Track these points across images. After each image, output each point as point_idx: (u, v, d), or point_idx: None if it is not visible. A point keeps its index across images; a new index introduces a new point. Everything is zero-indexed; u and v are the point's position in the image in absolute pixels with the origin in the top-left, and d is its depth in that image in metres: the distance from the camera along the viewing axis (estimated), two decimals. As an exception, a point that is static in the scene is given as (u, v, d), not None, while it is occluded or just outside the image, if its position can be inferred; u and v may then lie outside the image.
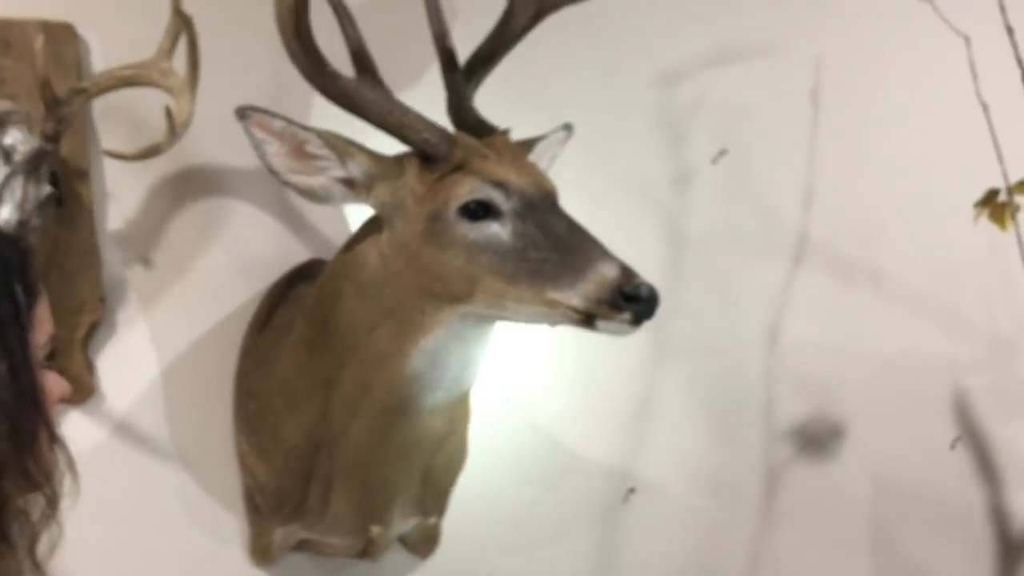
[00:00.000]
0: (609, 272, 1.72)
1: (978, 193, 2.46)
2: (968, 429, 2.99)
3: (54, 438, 1.22)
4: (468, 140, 1.86)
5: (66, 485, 1.27)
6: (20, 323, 1.19)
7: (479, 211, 1.79)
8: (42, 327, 1.25)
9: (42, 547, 1.28)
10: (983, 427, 3.00)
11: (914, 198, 2.82)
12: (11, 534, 1.19)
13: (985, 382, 2.98)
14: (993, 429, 2.99)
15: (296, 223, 2.36)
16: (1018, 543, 2.96)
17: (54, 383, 1.29)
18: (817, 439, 2.87)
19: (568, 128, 2.15)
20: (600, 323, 1.74)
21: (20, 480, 1.16)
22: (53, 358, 1.34)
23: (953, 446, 2.97)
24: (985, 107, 2.38)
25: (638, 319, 1.73)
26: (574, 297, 1.73)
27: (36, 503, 1.25)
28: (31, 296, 1.22)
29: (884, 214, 2.84)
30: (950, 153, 2.73)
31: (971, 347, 2.96)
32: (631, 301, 1.71)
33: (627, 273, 1.73)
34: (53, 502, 1.25)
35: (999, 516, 3.00)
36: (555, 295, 1.74)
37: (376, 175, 1.87)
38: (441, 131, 1.85)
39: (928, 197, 2.78)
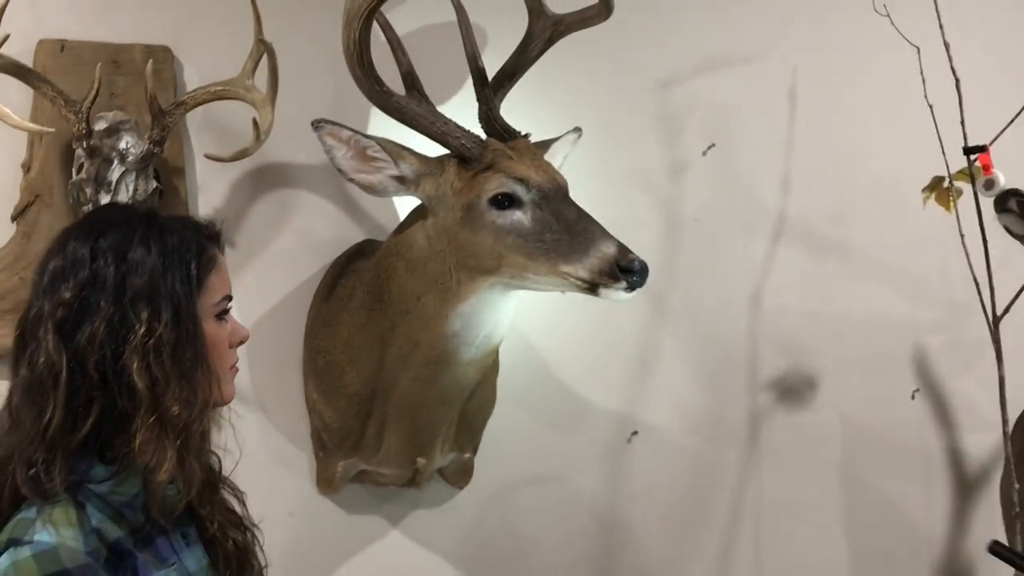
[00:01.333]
0: (609, 250, 1.96)
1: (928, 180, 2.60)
2: (926, 382, 3.11)
3: (213, 374, 1.46)
4: (496, 144, 2.09)
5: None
6: (189, 286, 1.42)
7: (505, 201, 2.03)
8: (216, 290, 1.48)
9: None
10: (939, 380, 3.11)
11: (878, 183, 2.95)
12: (195, 437, 1.44)
13: (941, 341, 3.08)
14: (948, 382, 3.10)
15: (352, 210, 2.57)
16: (970, 479, 3.07)
17: (235, 329, 1.52)
18: (794, 389, 3.00)
19: (578, 131, 2.36)
20: (602, 290, 1.98)
21: (181, 400, 1.40)
22: (228, 312, 1.53)
23: (913, 396, 3.10)
24: (931, 107, 2.51)
25: (632, 287, 1.97)
26: (581, 270, 1.97)
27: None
28: (204, 268, 1.46)
29: (852, 197, 2.98)
30: (907, 144, 2.75)
31: (928, 311, 3.06)
32: (627, 272, 1.95)
33: (623, 250, 1.96)
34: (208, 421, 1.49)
35: (953, 456, 3.12)
36: (566, 268, 1.98)
37: (423, 173, 2.11)
38: (474, 137, 2.09)
39: (890, 182, 2.89)
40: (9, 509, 1.38)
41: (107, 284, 1.39)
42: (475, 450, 2.61)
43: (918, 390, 3.12)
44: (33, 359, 1.38)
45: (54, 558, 1.31)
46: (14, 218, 2.29)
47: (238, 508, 1.64)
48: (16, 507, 1.38)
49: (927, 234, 2.77)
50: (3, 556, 1.32)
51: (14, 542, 1.32)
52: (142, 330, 1.39)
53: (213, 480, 1.58)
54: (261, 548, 1.65)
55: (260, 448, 2.47)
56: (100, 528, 1.37)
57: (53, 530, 1.32)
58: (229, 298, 1.52)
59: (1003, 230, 2.46)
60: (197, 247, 1.46)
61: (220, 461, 1.61)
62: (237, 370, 1.56)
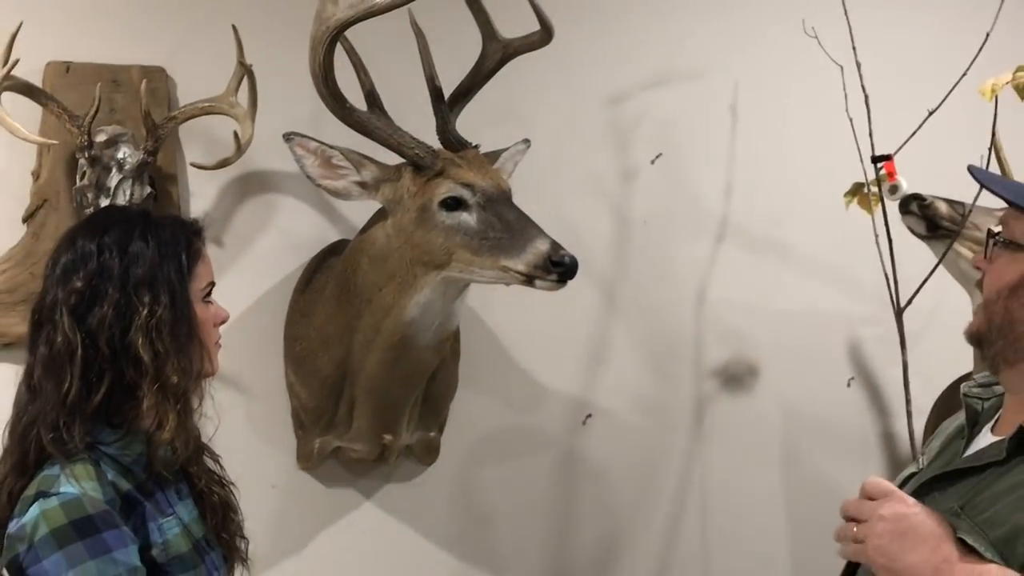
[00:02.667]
0: (543, 246, 2.12)
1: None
2: (861, 370, 3.19)
3: (204, 348, 1.67)
4: (447, 153, 2.26)
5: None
6: (182, 275, 1.62)
7: (453, 204, 2.19)
8: (202, 277, 1.68)
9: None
10: (873, 369, 3.19)
11: (811, 188, 3.02)
12: (191, 402, 1.65)
13: (874, 333, 3.14)
14: (881, 370, 3.17)
15: (328, 212, 2.68)
16: (901, 460, 3.11)
17: (217, 311, 1.72)
18: (736, 377, 3.09)
19: (527, 142, 2.50)
20: (537, 282, 2.14)
21: (179, 370, 1.59)
22: (210, 295, 1.73)
23: (848, 384, 3.18)
24: (851, 120, 2.70)
25: (563, 278, 2.12)
26: (519, 264, 2.13)
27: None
28: (192, 259, 1.66)
29: (789, 201, 3.07)
30: (835, 153, 2.80)
31: (861, 305, 3.12)
32: (558, 266, 2.11)
33: (555, 247, 2.12)
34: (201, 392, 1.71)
35: (886, 439, 3.21)
36: (506, 262, 2.14)
37: (382, 179, 2.28)
38: (428, 147, 2.25)
39: (821, 187, 2.92)
40: (34, 467, 1.57)
41: (113, 273, 1.59)
42: (440, 429, 2.73)
43: (853, 378, 3.20)
44: (51, 339, 1.58)
45: (79, 506, 1.50)
46: (25, 220, 2.42)
47: (216, 468, 1.83)
48: (40, 466, 1.57)
49: (858, 234, 2.84)
50: (33, 506, 1.50)
51: (42, 494, 1.51)
52: (145, 312, 1.58)
53: (200, 444, 1.77)
54: (237, 502, 1.83)
55: (245, 427, 2.57)
56: (115, 481, 1.56)
57: (76, 483, 1.52)
58: (212, 284, 1.71)
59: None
60: (186, 241, 1.66)
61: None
62: (220, 346, 1.75)
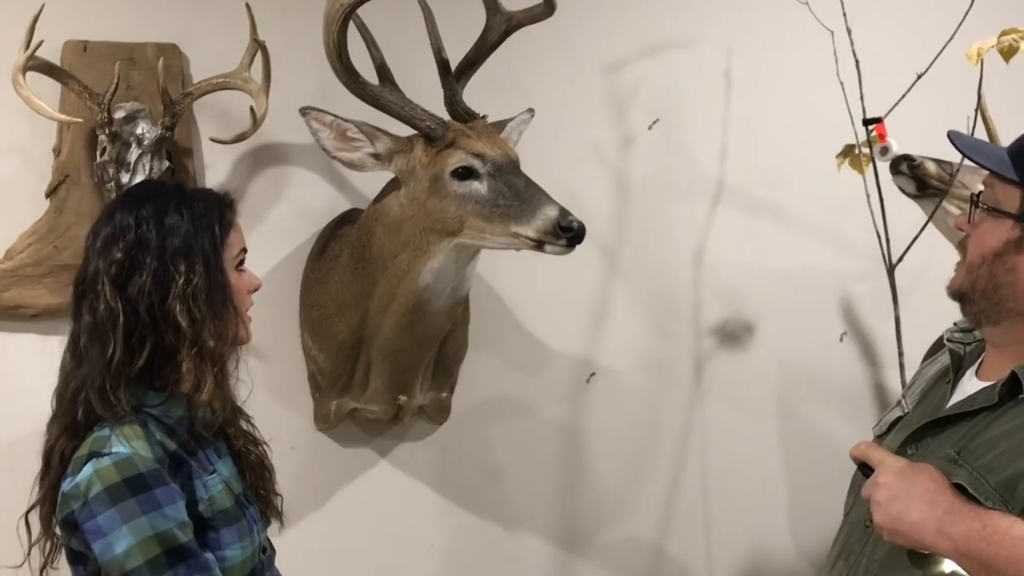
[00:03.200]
0: (552, 212, 2.17)
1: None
2: (852, 325, 3.25)
3: (238, 315, 1.74)
4: (457, 125, 2.30)
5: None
6: (215, 244, 1.69)
7: (465, 173, 2.24)
8: (234, 246, 1.75)
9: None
10: (864, 324, 3.25)
11: (805, 150, 3.03)
12: (227, 366, 1.73)
13: (865, 289, 3.20)
14: (872, 325, 3.24)
15: (339, 183, 2.72)
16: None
17: (250, 279, 1.79)
18: (733, 334, 3.14)
19: (531, 111, 2.54)
20: (547, 247, 2.19)
21: (215, 335, 1.67)
22: (243, 263, 1.80)
23: (841, 339, 3.24)
24: (842, 84, 2.74)
25: (571, 244, 2.17)
26: (529, 230, 2.18)
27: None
28: (225, 229, 1.73)
29: (782, 163, 3.11)
30: (826, 116, 2.82)
31: (853, 262, 3.18)
32: (566, 231, 2.16)
33: (564, 213, 2.17)
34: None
35: (877, 391, 3.28)
36: (516, 229, 2.19)
37: (395, 150, 2.32)
38: (438, 119, 2.30)
39: (813, 149, 2.94)
40: (84, 430, 1.65)
41: (151, 244, 1.66)
42: (451, 390, 2.79)
43: (845, 333, 3.25)
44: (94, 307, 1.66)
45: (131, 464, 1.58)
46: (48, 195, 2.46)
47: (251, 429, 1.92)
48: (90, 428, 1.65)
49: (848, 195, 2.88)
50: (87, 465, 1.58)
51: (95, 454, 1.59)
52: (181, 280, 1.66)
53: (235, 406, 1.85)
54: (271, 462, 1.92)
55: (264, 391, 2.53)
56: (162, 441, 1.64)
57: (127, 443, 1.60)
58: (244, 251, 1.78)
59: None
60: (219, 212, 1.73)
61: None
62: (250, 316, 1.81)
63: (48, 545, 1.72)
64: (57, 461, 1.67)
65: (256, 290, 1.82)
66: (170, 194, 1.74)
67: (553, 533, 3.02)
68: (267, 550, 1.83)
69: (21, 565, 1.75)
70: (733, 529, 3.20)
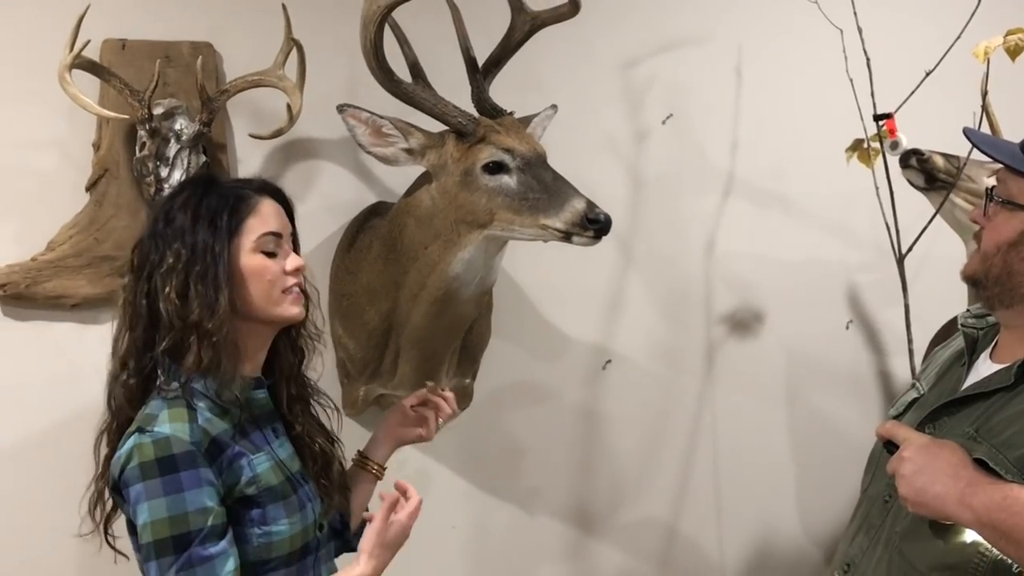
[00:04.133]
0: (579, 205, 2.21)
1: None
2: (858, 314, 3.33)
3: (251, 294, 1.77)
4: (486, 121, 2.35)
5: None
6: (217, 230, 1.74)
7: (495, 168, 2.28)
8: (254, 229, 1.78)
9: None
10: (869, 312, 3.33)
11: (813, 144, 3.13)
12: (218, 340, 1.73)
13: (870, 279, 3.28)
14: (877, 314, 3.32)
15: (366, 177, 2.77)
16: (895, 396, 3.00)
17: (285, 260, 1.82)
18: (743, 322, 3.21)
19: (554, 107, 2.59)
20: (574, 239, 2.23)
21: (203, 308, 1.71)
22: (274, 247, 1.82)
23: (847, 327, 3.32)
24: (851, 81, 2.81)
25: (598, 235, 2.22)
26: (558, 222, 2.22)
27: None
28: (239, 214, 1.77)
29: (791, 157, 3.18)
30: (834, 111, 2.91)
31: (859, 253, 3.26)
32: (594, 223, 2.20)
33: (591, 205, 2.21)
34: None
35: (882, 377, 3.36)
36: (545, 221, 2.23)
37: (427, 146, 2.37)
38: (469, 115, 2.34)
39: (822, 143, 3.05)
40: (140, 401, 1.74)
41: (157, 232, 1.77)
42: (474, 376, 2.83)
43: (851, 321, 3.32)
44: (124, 293, 1.79)
45: (166, 445, 1.66)
46: (88, 188, 2.51)
47: (325, 423, 1.98)
48: (145, 400, 1.74)
49: (856, 187, 2.95)
50: (130, 439, 1.68)
51: (140, 429, 1.68)
52: (171, 260, 1.73)
53: (303, 395, 1.92)
54: (343, 458, 1.97)
55: None
56: (205, 426, 1.70)
57: (168, 425, 1.67)
58: (273, 234, 1.81)
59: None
60: (234, 200, 1.78)
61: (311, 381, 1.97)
62: (296, 295, 1.84)
63: (100, 512, 1.80)
64: (116, 432, 1.78)
65: (296, 270, 1.84)
66: (188, 186, 1.83)
67: (570, 514, 3.08)
68: (323, 527, 1.87)
69: (91, 533, 1.82)
70: (743, 510, 3.26)
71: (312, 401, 1.96)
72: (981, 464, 1.54)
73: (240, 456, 1.74)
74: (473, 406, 2.89)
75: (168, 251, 1.74)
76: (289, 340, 1.91)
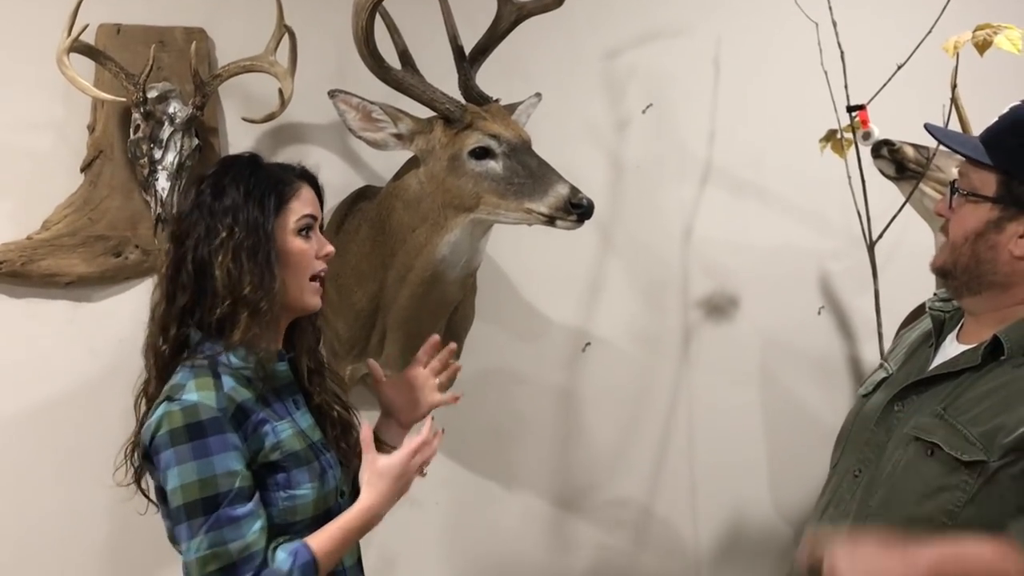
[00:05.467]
0: (563, 190, 2.28)
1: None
2: (830, 300, 3.37)
3: (293, 277, 1.83)
4: (474, 108, 2.40)
5: None
6: (264, 209, 1.80)
7: (482, 153, 2.34)
8: (295, 211, 1.83)
9: None
10: (841, 299, 3.38)
11: (788, 134, 3.17)
12: (263, 315, 1.80)
13: (842, 266, 3.33)
14: (848, 300, 3.37)
15: (354, 161, 2.80)
16: (864, 379, 3.27)
17: (321, 245, 1.88)
18: (719, 307, 3.25)
19: (538, 95, 2.64)
20: (558, 223, 2.29)
21: (253, 285, 1.77)
22: (310, 229, 1.87)
23: (819, 312, 3.37)
24: (826, 73, 2.87)
25: (581, 219, 2.28)
26: (542, 206, 2.29)
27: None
28: (284, 196, 1.83)
29: (767, 146, 3.22)
30: (809, 102, 2.97)
31: (831, 240, 3.30)
32: (577, 208, 2.27)
33: (574, 190, 2.28)
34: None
35: (852, 362, 3.41)
36: (530, 205, 2.30)
37: (416, 131, 2.41)
38: (457, 102, 2.39)
39: (797, 134, 3.09)
40: (171, 366, 1.80)
41: (205, 206, 1.81)
42: (457, 357, 2.72)
43: (823, 307, 3.37)
44: (163, 262, 1.84)
45: (194, 412, 1.72)
46: (83, 169, 2.55)
47: (340, 392, 2.05)
48: (175, 364, 1.80)
49: (829, 176, 3.02)
50: (159, 408, 1.74)
51: (169, 398, 1.74)
52: (224, 234, 1.78)
53: (319, 369, 1.98)
54: (358, 426, 2.00)
55: None
56: (230, 393, 1.76)
57: (196, 392, 1.73)
58: (311, 216, 1.86)
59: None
60: (279, 180, 1.84)
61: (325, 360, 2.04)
62: (318, 286, 1.90)
63: (130, 473, 1.86)
64: (146, 403, 1.84)
65: (327, 256, 1.90)
66: (235, 164, 1.88)
67: (550, 491, 3.13)
68: (345, 494, 1.92)
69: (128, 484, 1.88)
70: (717, 488, 3.31)
71: (325, 373, 2.02)
72: (935, 449, 1.61)
73: (264, 423, 1.80)
74: (456, 386, 2.76)
75: (220, 225, 1.79)
76: (310, 318, 1.96)
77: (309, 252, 1.86)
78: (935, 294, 1.96)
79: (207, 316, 1.80)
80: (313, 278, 1.89)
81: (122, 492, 1.89)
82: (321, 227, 1.97)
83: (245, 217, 1.79)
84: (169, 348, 1.82)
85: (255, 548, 1.71)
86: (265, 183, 1.83)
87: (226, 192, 1.81)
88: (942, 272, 1.80)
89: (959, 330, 1.84)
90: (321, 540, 1.77)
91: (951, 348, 1.81)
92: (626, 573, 3.23)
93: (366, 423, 1.93)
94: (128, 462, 1.85)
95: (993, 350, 1.69)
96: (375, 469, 1.83)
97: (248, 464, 1.76)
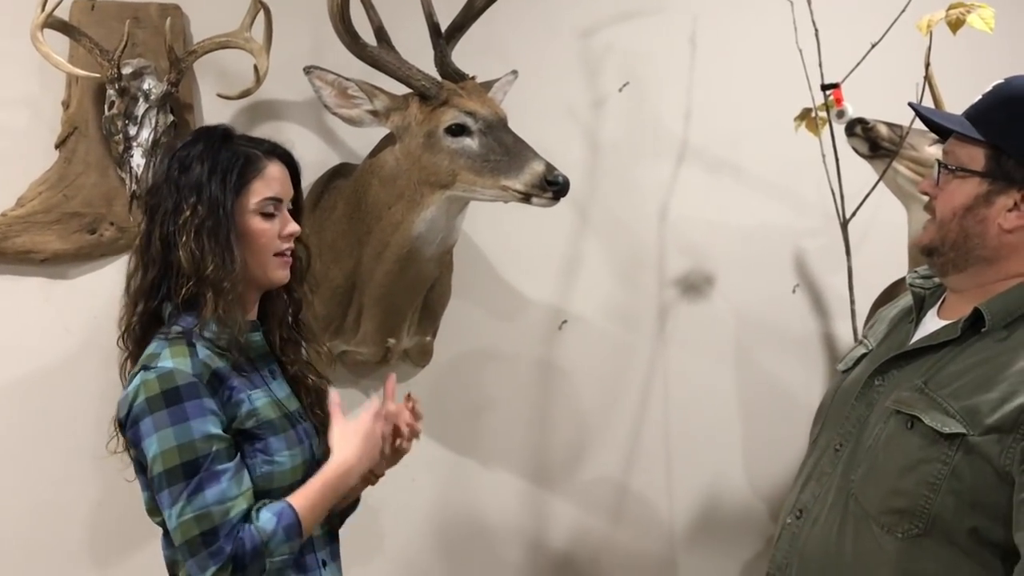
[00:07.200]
0: (539, 167, 2.29)
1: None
2: (804, 278, 3.40)
3: (253, 255, 1.84)
4: (450, 84, 2.40)
5: None
6: (226, 188, 1.80)
7: (457, 130, 2.34)
8: (257, 192, 1.84)
9: None
10: (815, 277, 3.40)
11: (764, 113, 3.17)
12: (227, 293, 1.81)
13: (817, 244, 3.35)
14: (822, 278, 3.39)
15: (330, 138, 2.80)
16: (838, 356, 3.07)
17: (284, 224, 1.87)
18: (695, 286, 3.26)
19: (515, 73, 2.65)
20: (534, 200, 2.31)
21: (215, 263, 1.78)
22: (274, 210, 1.87)
23: (794, 290, 3.39)
24: (800, 51, 2.88)
25: (557, 196, 2.30)
26: (518, 183, 2.30)
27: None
28: (245, 175, 1.82)
29: (743, 126, 3.23)
30: (785, 81, 2.94)
31: (806, 219, 3.32)
32: (552, 185, 2.28)
33: (550, 168, 2.29)
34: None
35: (826, 339, 3.44)
36: (505, 182, 2.31)
37: (392, 108, 2.42)
38: (432, 79, 2.40)
39: (773, 112, 3.07)
40: (147, 338, 1.82)
41: (172, 180, 1.82)
42: (435, 334, 2.88)
43: (798, 285, 3.39)
44: (137, 235, 1.86)
45: (170, 378, 1.73)
46: (57, 146, 2.54)
47: (314, 361, 2.07)
48: (150, 337, 1.82)
49: (804, 155, 3.01)
50: (137, 376, 1.76)
51: (145, 367, 1.76)
52: (188, 213, 1.79)
53: (294, 338, 2.00)
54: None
55: None
56: (206, 360, 1.77)
57: (171, 360, 1.75)
58: (274, 199, 1.86)
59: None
60: (245, 158, 1.83)
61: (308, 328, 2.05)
62: (285, 259, 1.91)
63: (121, 442, 1.86)
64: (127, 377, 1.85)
65: (290, 235, 1.89)
66: (210, 138, 1.87)
67: (527, 468, 3.14)
68: (322, 463, 1.91)
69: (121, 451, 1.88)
70: (692, 464, 3.33)
71: (306, 346, 2.04)
72: (915, 422, 1.63)
73: (239, 390, 1.81)
74: (433, 363, 2.95)
75: (184, 203, 1.80)
76: (283, 289, 1.96)
77: (270, 232, 1.86)
78: (915, 271, 1.97)
79: (174, 294, 1.81)
80: (278, 254, 1.89)
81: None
82: (299, 203, 1.96)
83: (208, 195, 1.80)
84: (144, 321, 1.84)
85: (238, 510, 1.73)
86: (230, 160, 1.83)
87: (192, 167, 1.82)
88: (929, 250, 1.79)
89: (940, 306, 1.85)
90: (302, 498, 1.80)
91: (931, 323, 1.82)
92: (602, 549, 3.25)
93: (334, 390, 1.97)
94: (119, 433, 1.85)
95: (974, 322, 1.71)
96: (343, 430, 1.86)
97: (225, 429, 1.78)
